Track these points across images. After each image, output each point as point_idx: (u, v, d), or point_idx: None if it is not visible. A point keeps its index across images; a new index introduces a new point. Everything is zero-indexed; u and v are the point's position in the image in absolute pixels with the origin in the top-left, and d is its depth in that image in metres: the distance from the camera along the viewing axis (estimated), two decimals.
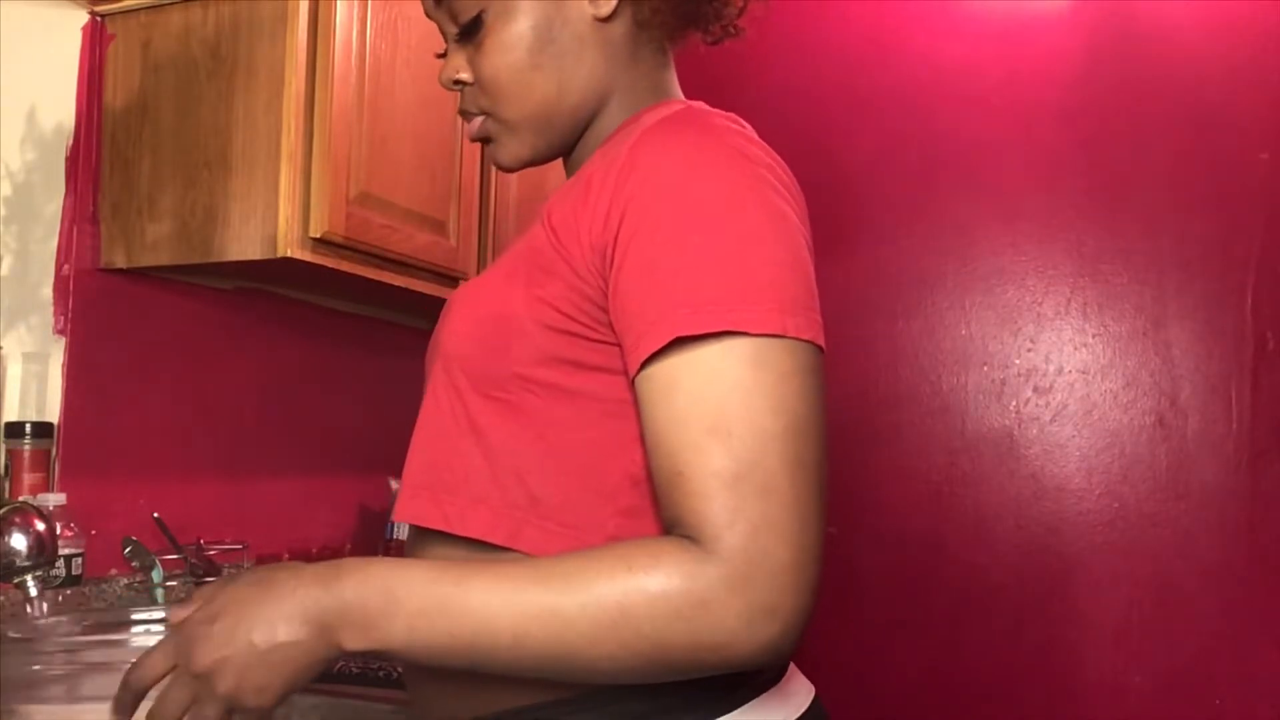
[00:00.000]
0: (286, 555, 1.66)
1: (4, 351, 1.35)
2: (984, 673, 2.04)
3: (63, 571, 1.32)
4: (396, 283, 1.56)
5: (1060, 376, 2.04)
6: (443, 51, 0.90)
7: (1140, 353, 1.99)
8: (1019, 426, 2.05)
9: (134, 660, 0.71)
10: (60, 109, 1.43)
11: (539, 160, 0.90)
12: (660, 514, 0.71)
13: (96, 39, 1.46)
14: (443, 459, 0.80)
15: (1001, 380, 2.08)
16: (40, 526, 1.10)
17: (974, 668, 2.05)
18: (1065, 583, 2.00)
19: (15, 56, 1.37)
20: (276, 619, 0.68)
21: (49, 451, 1.37)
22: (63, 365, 1.42)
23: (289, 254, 1.34)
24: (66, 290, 1.42)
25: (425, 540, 0.82)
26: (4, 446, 1.34)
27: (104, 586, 1.42)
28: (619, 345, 0.74)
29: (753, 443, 0.67)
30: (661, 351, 0.69)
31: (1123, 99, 2.01)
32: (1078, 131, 2.04)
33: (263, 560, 1.64)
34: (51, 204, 1.42)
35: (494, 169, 1.76)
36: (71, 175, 1.44)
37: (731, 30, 0.91)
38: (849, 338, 2.14)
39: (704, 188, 0.72)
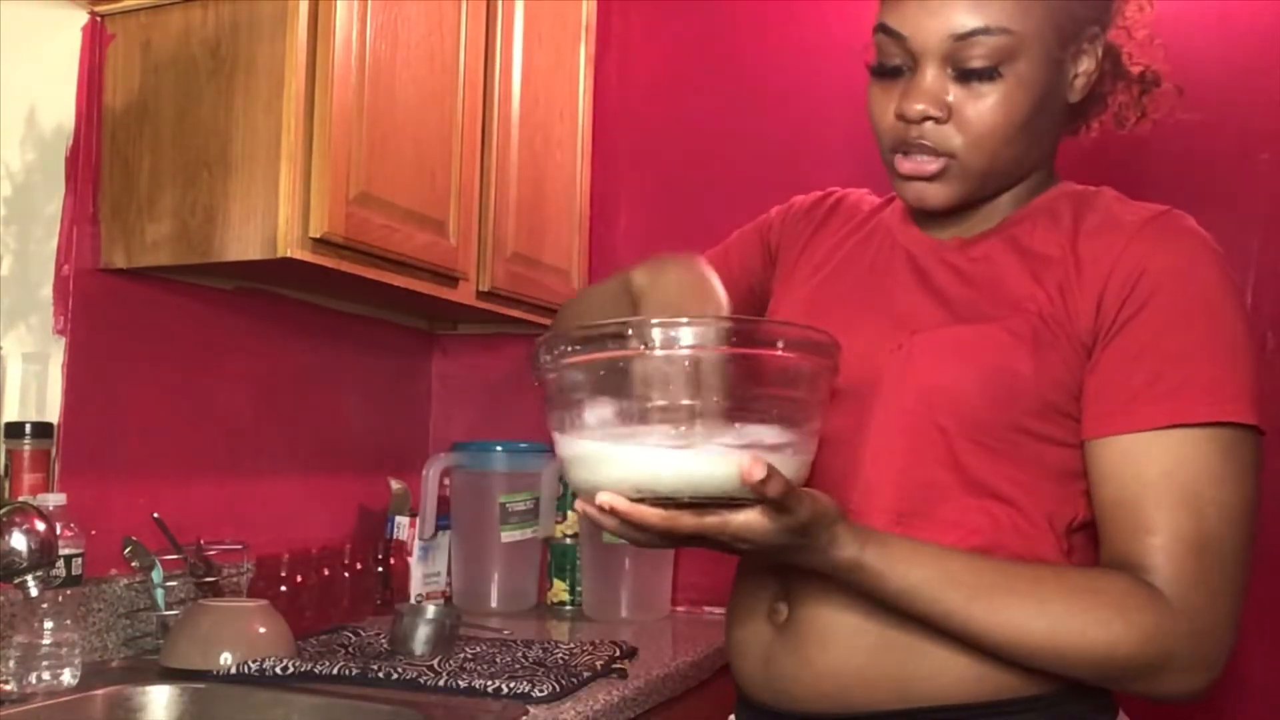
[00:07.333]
0: (286, 555, 1.66)
1: (4, 351, 1.35)
2: None
3: (63, 571, 1.32)
4: (396, 283, 1.56)
5: None
6: (881, 69, 1.00)
7: None
8: None
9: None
10: (60, 109, 1.43)
11: (962, 207, 0.96)
12: (1103, 554, 0.85)
13: (96, 39, 1.46)
14: (919, 491, 0.89)
15: None
16: (40, 526, 1.10)
17: None
18: None
19: (15, 56, 1.37)
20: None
21: (49, 451, 1.37)
22: (63, 365, 1.42)
23: (289, 254, 1.34)
24: (66, 290, 1.42)
25: None
26: (4, 446, 1.34)
27: (104, 586, 1.42)
28: (1076, 415, 0.86)
29: (1218, 521, 0.81)
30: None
31: None
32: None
33: (263, 561, 1.63)
34: (51, 204, 1.42)
35: (493, 170, 1.76)
36: (71, 175, 1.43)
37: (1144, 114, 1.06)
38: None
39: (1202, 288, 0.85)
